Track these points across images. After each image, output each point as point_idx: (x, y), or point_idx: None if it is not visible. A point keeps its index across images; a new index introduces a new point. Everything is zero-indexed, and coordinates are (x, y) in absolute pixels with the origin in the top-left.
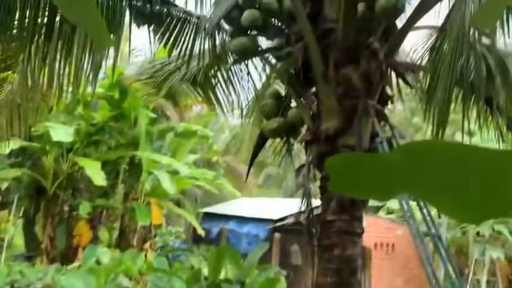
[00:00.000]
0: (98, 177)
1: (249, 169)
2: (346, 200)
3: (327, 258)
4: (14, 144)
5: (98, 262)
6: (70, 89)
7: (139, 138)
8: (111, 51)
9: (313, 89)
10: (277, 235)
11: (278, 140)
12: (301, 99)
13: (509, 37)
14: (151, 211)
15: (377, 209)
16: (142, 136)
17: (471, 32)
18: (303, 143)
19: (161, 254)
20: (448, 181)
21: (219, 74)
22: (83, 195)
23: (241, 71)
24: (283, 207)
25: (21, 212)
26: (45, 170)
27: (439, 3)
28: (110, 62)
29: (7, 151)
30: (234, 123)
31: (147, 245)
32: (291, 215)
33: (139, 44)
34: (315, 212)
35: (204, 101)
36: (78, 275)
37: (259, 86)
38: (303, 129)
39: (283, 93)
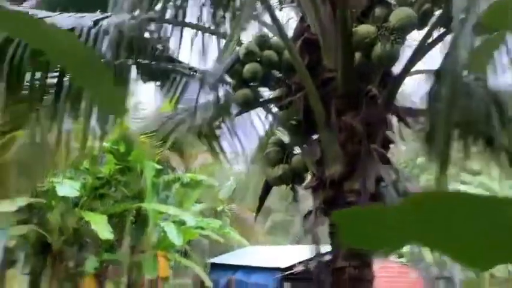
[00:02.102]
0: (104, 232)
1: (256, 217)
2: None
3: None
4: (22, 201)
5: None
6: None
7: (145, 190)
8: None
9: (316, 136)
10: (286, 285)
11: (284, 186)
12: (305, 146)
13: (503, 74)
14: (158, 264)
15: (387, 254)
16: (148, 188)
17: (466, 75)
18: (309, 189)
19: None
20: (457, 230)
21: (223, 124)
22: (89, 250)
23: (244, 121)
24: (291, 254)
25: (28, 269)
26: (51, 226)
27: (433, 49)
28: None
29: (14, 208)
30: (239, 170)
31: None
32: (300, 263)
33: (144, 98)
34: (324, 258)
35: (209, 151)
36: None
37: (262, 134)
38: (308, 176)
39: (286, 140)
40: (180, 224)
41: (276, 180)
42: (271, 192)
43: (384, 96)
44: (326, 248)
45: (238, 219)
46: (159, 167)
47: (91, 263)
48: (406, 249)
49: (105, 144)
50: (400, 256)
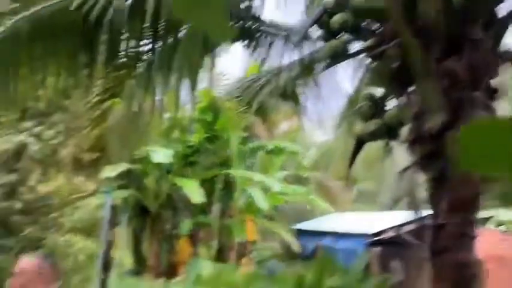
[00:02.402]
0: (196, 195)
1: (347, 177)
2: (457, 201)
3: (439, 265)
4: (121, 167)
5: (199, 275)
6: (167, 115)
7: (231, 158)
8: (205, 73)
9: (413, 87)
10: (375, 250)
11: (371, 154)
12: (400, 98)
13: None
14: (246, 227)
15: (485, 221)
16: (235, 155)
17: None
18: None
19: (260, 267)
20: None
21: (307, 84)
22: (182, 214)
23: (330, 80)
24: (380, 220)
25: (131, 230)
26: (148, 191)
27: None
28: (202, 86)
29: (115, 173)
30: (324, 135)
31: (244, 260)
32: (390, 228)
33: (226, 69)
34: (422, 220)
35: (293, 113)
36: (183, 286)
37: (350, 92)
38: (403, 130)
39: (379, 94)
40: (265, 190)
41: (368, 136)
42: (357, 161)
43: (489, 40)
44: (423, 210)
45: (322, 187)
46: (244, 135)
47: (185, 226)
48: (505, 217)
49: (194, 114)
50: (499, 224)
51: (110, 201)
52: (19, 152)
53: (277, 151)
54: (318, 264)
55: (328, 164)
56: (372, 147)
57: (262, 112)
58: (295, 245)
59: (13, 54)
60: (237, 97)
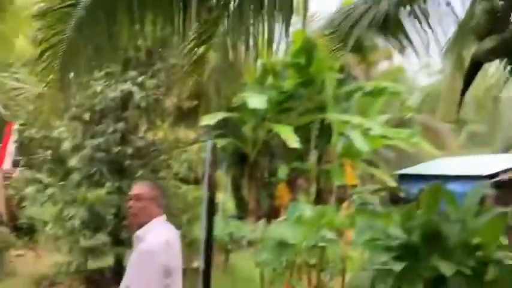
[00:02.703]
0: (292, 140)
1: (462, 96)
2: None
3: None
4: (219, 115)
5: (300, 215)
6: (260, 61)
7: (327, 102)
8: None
9: None
10: (490, 193)
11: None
12: None
13: None
14: (345, 171)
15: None
16: (330, 99)
17: None
18: None
19: (362, 208)
20: None
21: (410, 11)
22: (279, 160)
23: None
24: (494, 163)
25: (229, 178)
26: (245, 138)
27: None
28: (295, 27)
29: (214, 121)
30: (426, 82)
31: (345, 204)
32: (507, 170)
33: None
34: None
35: (393, 51)
36: (285, 225)
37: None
38: None
39: (499, 6)
40: (365, 133)
41: (486, 54)
42: (465, 101)
43: None
44: None
45: (428, 130)
46: (340, 76)
47: (283, 171)
48: None
49: (286, 58)
50: None
51: (211, 145)
52: (125, 100)
53: (377, 92)
54: (431, 193)
55: (434, 106)
56: (482, 87)
57: (359, 50)
58: (398, 190)
59: (112, 4)
60: (332, 33)
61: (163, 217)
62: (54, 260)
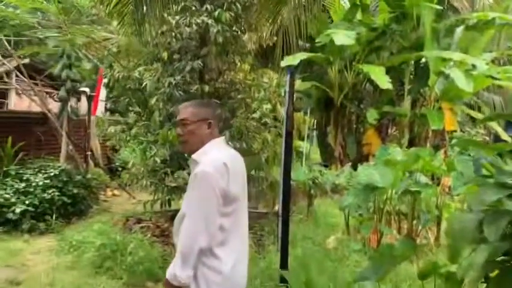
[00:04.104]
0: (383, 81)
1: None
2: None
3: None
4: (302, 56)
5: (389, 159)
6: None
7: (423, 39)
8: None
9: None
10: None
11: None
12: None
13: None
14: (443, 116)
15: None
16: (428, 35)
17: None
18: None
19: (464, 153)
20: None
21: None
22: (368, 105)
23: None
24: None
25: (314, 124)
26: (331, 82)
27: None
28: None
29: (295, 62)
30: None
31: (441, 151)
32: None
33: None
34: None
35: None
36: (374, 167)
37: None
38: None
39: None
40: (467, 72)
41: None
42: None
43: None
44: None
45: None
46: (439, 8)
47: (372, 115)
48: None
49: None
50: None
51: (290, 80)
52: (203, 37)
53: (482, 26)
54: None
55: None
56: None
57: None
58: (505, 136)
59: None
60: None
61: (222, 139)
62: (143, 199)
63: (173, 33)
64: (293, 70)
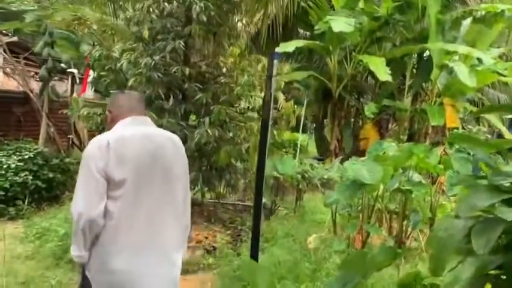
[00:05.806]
0: (382, 73)
1: None
2: None
3: None
4: (299, 43)
5: (380, 155)
6: None
7: (428, 31)
8: None
9: None
10: None
11: None
12: None
13: None
14: (445, 112)
15: None
16: (433, 26)
17: None
18: None
19: (462, 151)
20: None
21: None
22: (367, 97)
23: None
24: None
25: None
26: (330, 72)
27: None
28: None
29: (292, 49)
30: None
31: (440, 148)
32: None
33: None
34: None
35: None
36: (362, 162)
37: None
38: None
39: None
40: (472, 67)
41: None
42: None
43: None
44: None
45: None
46: None
47: (369, 108)
48: None
49: None
50: None
51: (272, 65)
52: (187, 15)
53: (490, 18)
54: None
55: None
56: None
57: None
58: (509, 135)
59: None
60: None
61: (131, 118)
62: None
63: (151, 9)
64: (276, 53)
